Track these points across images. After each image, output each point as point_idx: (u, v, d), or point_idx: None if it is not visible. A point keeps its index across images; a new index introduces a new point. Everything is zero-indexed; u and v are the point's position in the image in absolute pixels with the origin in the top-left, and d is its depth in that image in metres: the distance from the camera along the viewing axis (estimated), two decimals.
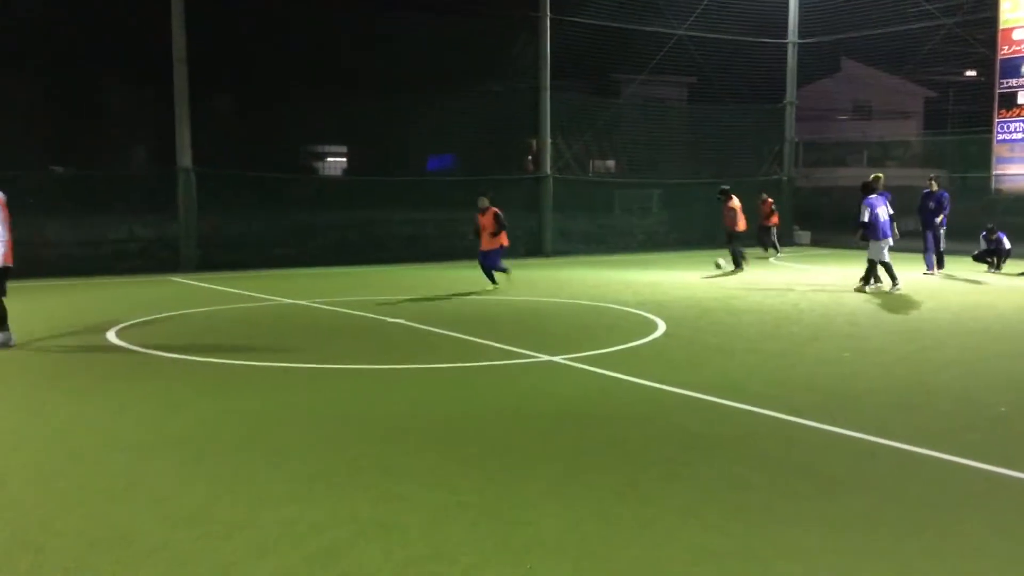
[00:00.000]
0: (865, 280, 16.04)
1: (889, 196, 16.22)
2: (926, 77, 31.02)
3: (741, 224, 20.19)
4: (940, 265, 19.24)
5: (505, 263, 16.66)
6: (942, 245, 19.34)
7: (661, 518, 5.07)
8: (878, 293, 15.65)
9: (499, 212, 16.05)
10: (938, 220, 18.99)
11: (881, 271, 15.86)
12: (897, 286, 15.66)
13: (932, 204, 19.03)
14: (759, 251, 24.67)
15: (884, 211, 15.67)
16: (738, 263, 20.01)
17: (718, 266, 19.91)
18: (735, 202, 20.14)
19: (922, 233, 19.40)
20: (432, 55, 23.73)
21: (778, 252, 25.08)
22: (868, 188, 15.89)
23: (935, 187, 19.20)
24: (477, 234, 16.22)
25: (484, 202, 16.16)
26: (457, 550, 4.62)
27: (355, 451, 6.37)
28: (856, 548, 4.66)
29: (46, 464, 6.06)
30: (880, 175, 16.91)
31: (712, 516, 5.09)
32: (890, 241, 15.67)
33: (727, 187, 20.68)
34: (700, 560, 4.50)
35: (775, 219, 25.26)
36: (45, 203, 19.78)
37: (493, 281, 16.39)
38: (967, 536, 4.84)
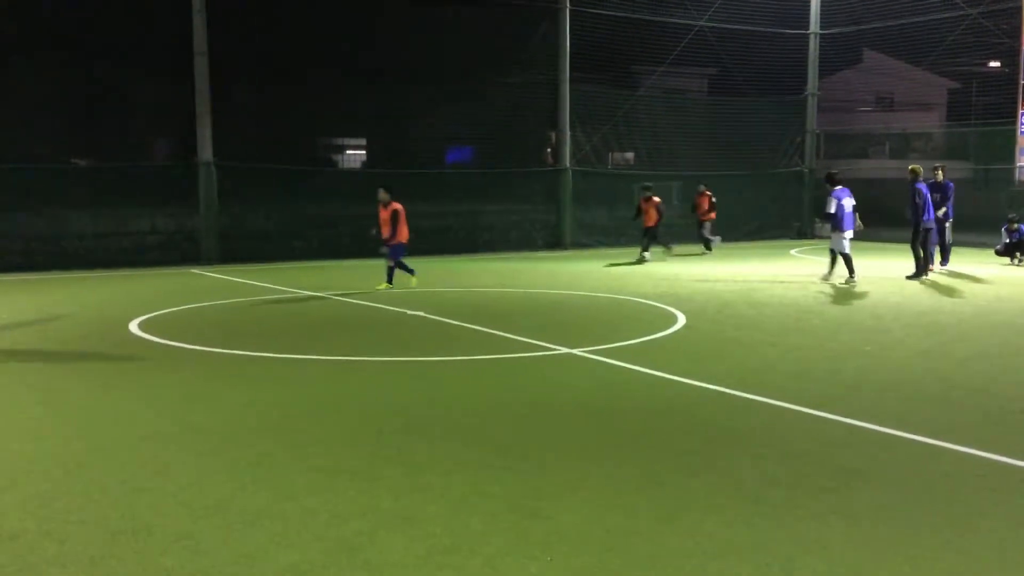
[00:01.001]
0: (835, 271, 16.14)
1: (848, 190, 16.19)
2: (949, 68, 30.71)
3: (650, 220, 20.98)
4: (944, 261, 18.14)
5: (406, 263, 15.42)
6: (948, 238, 18.29)
7: (682, 511, 5.06)
8: (827, 283, 15.81)
9: (399, 209, 14.92)
10: (940, 213, 17.64)
11: (840, 263, 15.96)
12: (853, 280, 15.70)
13: (938, 196, 17.83)
14: (700, 247, 23.35)
15: (849, 203, 15.77)
16: (646, 248, 20.93)
17: (643, 259, 20.15)
18: (654, 200, 20.97)
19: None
20: (452, 47, 23.69)
21: (709, 250, 23.08)
22: (834, 180, 16.05)
23: (940, 177, 18.16)
24: (379, 231, 15.10)
25: (384, 196, 14.99)
26: (478, 541, 4.62)
27: (376, 442, 6.39)
28: (877, 541, 4.64)
29: (69, 455, 6.12)
30: (918, 167, 17.03)
31: (733, 509, 5.07)
32: (851, 233, 15.77)
33: (650, 184, 21.82)
34: (721, 553, 4.49)
35: (712, 215, 23.47)
36: (67, 196, 19.96)
37: (389, 281, 15.29)
38: (988, 530, 4.80)
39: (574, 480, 5.57)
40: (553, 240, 25.18)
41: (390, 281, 15.32)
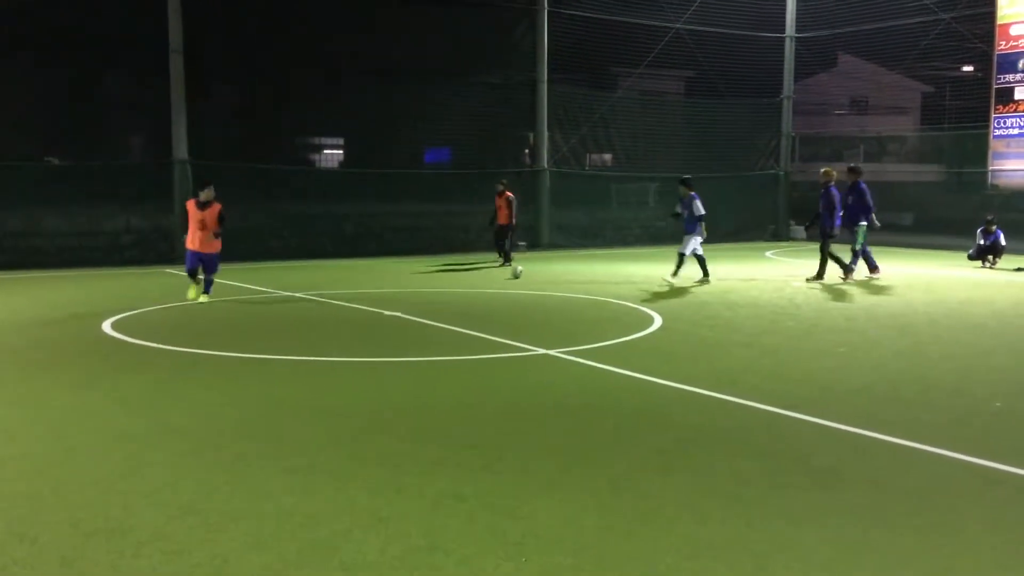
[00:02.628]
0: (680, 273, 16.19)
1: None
2: (923, 72, 31.00)
3: (504, 218, 19.88)
4: (850, 270, 16.78)
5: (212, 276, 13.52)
6: (856, 244, 16.95)
7: (657, 511, 5.08)
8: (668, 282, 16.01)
9: (222, 210, 13.03)
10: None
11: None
12: (707, 280, 16.26)
13: (851, 199, 16.89)
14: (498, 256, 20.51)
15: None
16: (507, 257, 19.79)
17: (516, 275, 17.23)
18: (508, 196, 19.81)
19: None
20: (430, 47, 23.68)
21: (508, 261, 19.79)
22: (689, 184, 16.50)
23: (854, 179, 17.13)
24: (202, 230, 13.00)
25: (208, 194, 12.97)
26: (454, 542, 4.62)
27: (352, 443, 6.38)
28: (851, 541, 4.68)
29: (41, 455, 6.06)
30: (831, 170, 17.00)
31: (708, 509, 5.10)
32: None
33: (505, 180, 20.47)
34: (697, 553, 4.51)
35: (513, 218, 20.26)
36: (40, 194, 19.75)
37: (207, 291, 13.35)
38: (962, 530, 4.85)
39: (549, 480, 5.58)
40: (531, 240, 25.20)
41: (208, 290, 13.47)
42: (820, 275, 16.62)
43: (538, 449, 6.25)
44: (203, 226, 12.96)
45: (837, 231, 16.63)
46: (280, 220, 22.17)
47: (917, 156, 32.77)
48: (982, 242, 20.12)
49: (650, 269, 19.24)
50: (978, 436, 6.63)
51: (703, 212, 16.25)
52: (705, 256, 16.54)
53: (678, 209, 16.65)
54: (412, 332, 11.20)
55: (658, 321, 11.89)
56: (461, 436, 6.59)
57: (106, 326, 11.27)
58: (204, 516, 4.96)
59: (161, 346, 9.94)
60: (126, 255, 20.03)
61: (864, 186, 17.06)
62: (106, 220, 20.45)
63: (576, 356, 9.44)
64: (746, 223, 28.75)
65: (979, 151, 26.44)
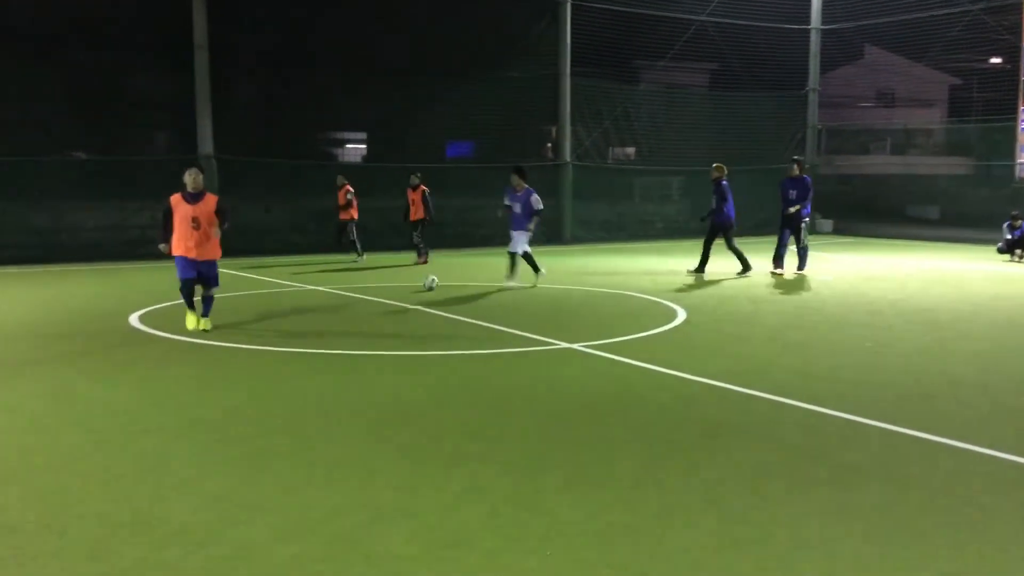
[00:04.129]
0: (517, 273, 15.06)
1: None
2: (950, 64, 30.69)
3: (412, 215, 19.15)
4: (802, 265, 16.89)
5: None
6: (804, 240, 16.86)
7: (681, 506, 5.06)
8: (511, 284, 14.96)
9: (221, 201, 10.39)
10: (794, 210, 16.47)
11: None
12: (541, 273, 15.11)
13: (793, 192, 16.60)
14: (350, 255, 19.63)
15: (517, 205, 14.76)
16: (420, 252, 19.22)
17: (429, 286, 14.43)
18: (423, 189, 19.10)
19: (779, 226, 16.88)
20: (452, 41, 23.67)
21: (360, 256, 19.31)
22: (524, 174, 15.08)
23: (797, 171, 16.70)
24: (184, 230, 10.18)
25: (195, 181, 10.15)
26: (477, 536, 4.63)
27: (375, 436, 6.39)
28: (877, 537, 4.64)
29: (69, 448, 6.12)
30: (722, 165, 17.01)
31: (732, 504, 5.07)
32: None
33: (419, 173, 19.50)
34: (721, 548, 4.49)
35: (354, 212, 19.51)
36: (67, 189, 19.95)
37: (206, 313, 10.54)
38: (989, 526, 4.80)
39: (573, 475, 5.57)
40: (553, 235, 25.17)
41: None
42: (701, 269, 16.71)
43: (561, 443, 6.25)
44: (196, 225, 10.03)
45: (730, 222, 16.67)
46: (303, 215, 22.26)
47: (944, 149, 32.47)
48: (1009, 236, 19.94)
49: (673, 263, 19.16)
50: (1006, 432, 6.56)
51: (541, 207, 14.63)
52: (533, 255, 14.98)
53: (507, 201, 14.73)
54: (435, 326, 11.22)
55: (682, 315, 11.84)
56: (484, 430, 6.59)
57: (133, 319, 11.36)
58: (229, 508, 4.99)
59: (187, 339, 10.00)
60: (152, 249, 20.13)
61: (809, 180, 16.93)
62: (132, 215, 20.62)
63: (600, 350, 9.42)
64: (771, 216, 28.53)
65: (1007, 144, 26.17)
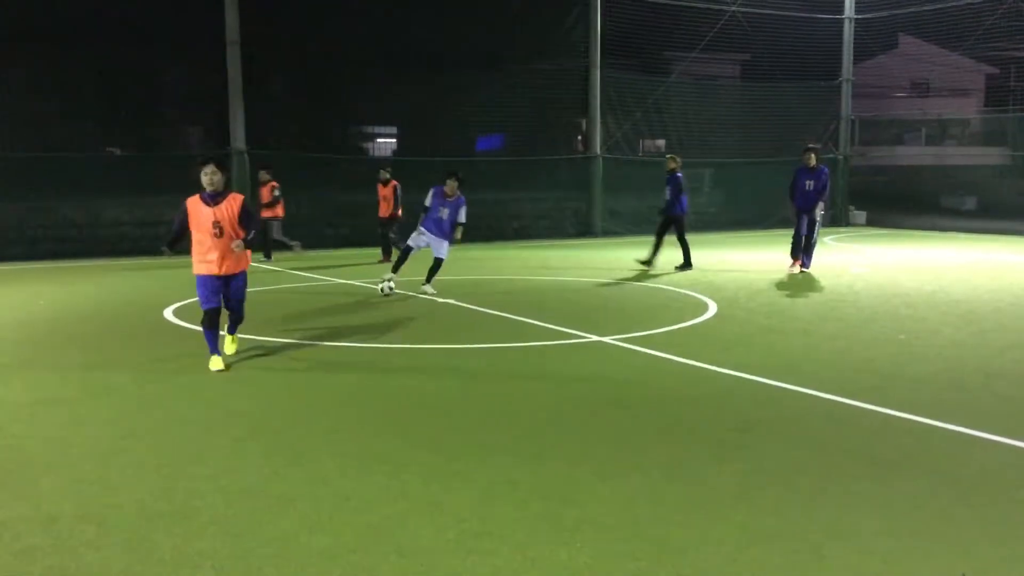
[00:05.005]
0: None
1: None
2: (987, 53, 30.21)
3: (383, 211, 17.90)
4: (806, 262, 15.99)
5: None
6: (816, 236, 16.11)
7: (712, 499, 5.05)
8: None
9: (246, 201, 8.56)
10: (819, 207, 15.90)
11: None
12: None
13: (809, 184, 15.74)
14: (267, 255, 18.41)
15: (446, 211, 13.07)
16: (387, 253, 17.62)
17: (384, 291, 12.98)
18: (393, 185, 17.75)
19: (795, 218, 16.02)
20: (482, 34, 23.65)
21: (268, 259, 18.00)
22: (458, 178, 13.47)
23: (813, 161, 15.82)
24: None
25: (214, 178, 8.36)
26: (508, 528, 4.65)
27: (406, 429, 6.43)
28: (910, 531, 4.60)
29: (106, 440, 6.21)
30: (677, 157, 16.92)
31: (764, 498, 5.05)
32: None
33: (390, 168, 18.20)
34: (752, 542, 4.48)
35: (280, 210, 18.09)
36: (103, 184, 20.19)
37: (233, 330, 8.94)
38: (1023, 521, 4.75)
39: (603, 467, 5.57)
40: (584, 228, 25.12)
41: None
42: (651, 261, 16.53)
43: (592, 436, 6.25)
44: (219, 231, 8.32)
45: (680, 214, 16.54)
46: (333, 208, 22.38)
47: (981, 139, 32.01)
48: None
49: (705, 255, 19.05)
50: None
51: (465, 221, 13.08)
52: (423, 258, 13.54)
53: (432, 202, 13.09)
54: (465, 319, 11.25)
55: (713, 308, 11.78)
56: (514, 423, 6.61)
57: (168, 313, 11.50)
58: (264, 499, 5.05)
59: (222, 333, 10.08)
60: (185, 244, 20.35)
61: (826, 170, 16.01)
62: (166, 210, 20.78)
63: (631, 343, 9.40)
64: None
65: None
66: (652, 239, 16.87)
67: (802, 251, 15.94)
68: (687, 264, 16.43)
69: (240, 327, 8.94)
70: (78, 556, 4.34)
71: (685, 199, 16.52)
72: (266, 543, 4.47)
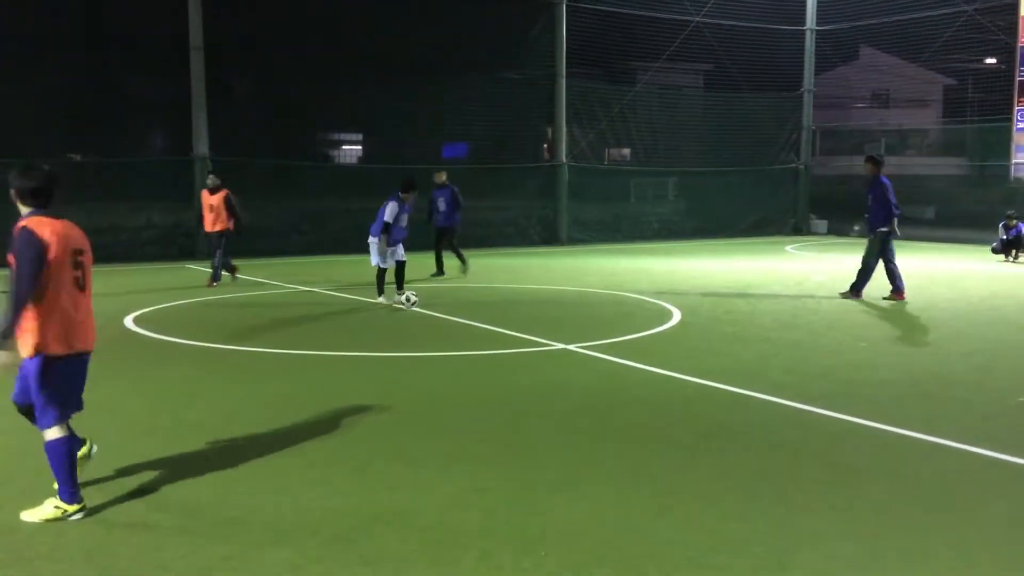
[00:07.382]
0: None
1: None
2: (945, 65, 30.74)
3: (210, 224, 14.86)
4: (858, 287, 13.49)
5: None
6: (872, 258, 13.40)
7: (678, 505, 5.06)
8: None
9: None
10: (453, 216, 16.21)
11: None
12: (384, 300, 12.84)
13: (871, 197, 13.36)
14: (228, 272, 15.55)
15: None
16: (217, 275, 14.99)
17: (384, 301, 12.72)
18: (224, 193, 14.76)
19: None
20: (448, 42, 23.65)
21: (216, 281, 15.00)
22: (410, 186, 12.94)
23: (873, 170, 13.47)
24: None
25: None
26: (473, 536, 4.63)
27: (370, 438, 6.39)
28: (872, 535, 4.65)
29: None
30: (443, 173, 17.28)
31: (729, 503, 5.08)
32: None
33: (217, 176, 15.24)
34: (717, 547, 4.50)
35: (230, 222, 14.90)
36: (62, 190, 19.87)
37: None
38: (984, 525, 4.81)
39: (569, 475, 5.57)
40: (549, 236, 25.17)
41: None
42: (440, 271, 16.68)
43: (557, 444, 6.25)
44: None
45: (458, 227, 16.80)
46: (299, 216, 22.25)
47: (939, 149, 32.51)
48: (1004, 236, 19.99)
49: (669, 264, 19.18)
50: (1002, 431, 6.57)
51: (385, 220, 12.44)
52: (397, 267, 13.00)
53: (402, 212, 12.64)
54: (430, 327, 11.21)
55: (677, 315, 11.85)
56: (480, 431, 6.59)
57: (128, 321, 11.34)
58: (224, 510, 4.98)
59: (182, 341, 9.99)
60: (147, 251, 20.15)
61: (887, 181, 13.35)
62: (127, 216, 20.59)
63: (595, 351, 9.42)
64: (766, 217, 28.64)
65: (1002, 144, 26.20)
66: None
67: (891, 277, 13.30)
68: (439, 272, 16.57)
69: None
70: (35, 569, 4.27)
71: (459, 213, 16.88)
72: (228, 555, 4.41)
